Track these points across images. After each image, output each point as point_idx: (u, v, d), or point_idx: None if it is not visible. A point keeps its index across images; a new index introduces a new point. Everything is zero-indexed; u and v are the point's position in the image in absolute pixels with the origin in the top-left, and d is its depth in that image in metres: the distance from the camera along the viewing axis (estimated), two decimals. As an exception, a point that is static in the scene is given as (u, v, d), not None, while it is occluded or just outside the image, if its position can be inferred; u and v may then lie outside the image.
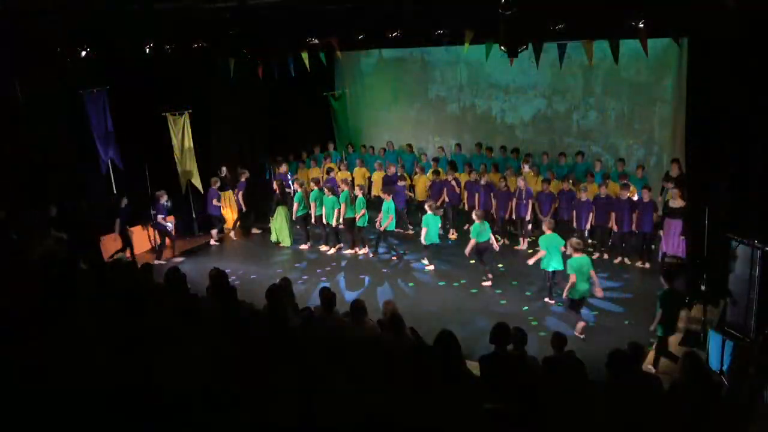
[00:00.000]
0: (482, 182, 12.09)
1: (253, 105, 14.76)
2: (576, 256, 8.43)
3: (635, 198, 10.75)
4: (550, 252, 9.28)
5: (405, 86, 15.78)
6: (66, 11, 9.56)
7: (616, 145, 13.30)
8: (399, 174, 13.15)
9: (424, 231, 10.99)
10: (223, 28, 10.05)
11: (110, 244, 11.95)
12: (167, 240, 12.46)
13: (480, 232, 10.12)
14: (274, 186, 13.26)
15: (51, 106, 11.59)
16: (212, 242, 13.27)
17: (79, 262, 8.18)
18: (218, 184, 13.06)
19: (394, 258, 11.86)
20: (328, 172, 13.68)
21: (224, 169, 13.65)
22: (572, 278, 8.35)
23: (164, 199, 12.19)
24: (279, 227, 12.80)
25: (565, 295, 8.58)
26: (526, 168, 12.49)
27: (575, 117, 13.65)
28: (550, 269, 9.38)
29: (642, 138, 13.00)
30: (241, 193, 13.42)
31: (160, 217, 12.11)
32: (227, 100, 14.03)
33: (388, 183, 13.09)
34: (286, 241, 12.84)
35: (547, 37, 9.01)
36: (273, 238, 12.93)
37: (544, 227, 9.50)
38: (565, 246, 9.14)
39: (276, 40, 11.65)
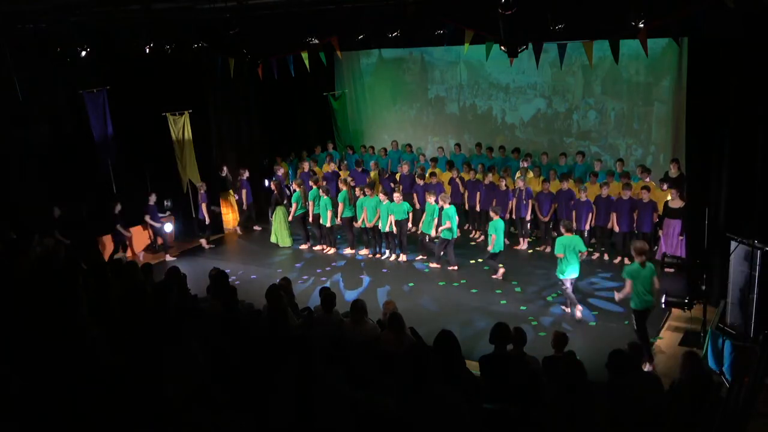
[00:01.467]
0: (485, 182, 12.08)
1: (254, 105, 14.76)
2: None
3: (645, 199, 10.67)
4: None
5: (405, 86, 15.77)
6: (66, 11, 9.56)
7: (614, 145, 13.30)
8: (417, 173, 13.00)
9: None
10: (223, 28, 10.04)
11: (109, 245, 11.96)
12: (158, 240, 12.40)
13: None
14: (272, 186, 13.24)
15: (51, 106, 11.60)
16: (206, 246, 13.15)
17: (80, 262, 8.18)
18: (205, 188, 12.93)
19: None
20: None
21: (225, 168, 13.64)
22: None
23: (153, 200, 12.17)
24: (278, 228, 12.81)
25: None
26: (525, 165, 12.46)
27: (575, 117, 13.65)
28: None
29: (640, 138, 13.01)
30: (244, 191, 13.40)
31: (147, 217, 12.13)
32: (227, 100, 14.03)
33: (405, 183, 13.01)
34: (285, 242, 12.84)
35: (547, 37, 9.01)
36: (273, 238, 12.93)
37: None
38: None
39: (276, 40, 11.66)
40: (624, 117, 13.09)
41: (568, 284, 9.00)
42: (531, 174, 12.19)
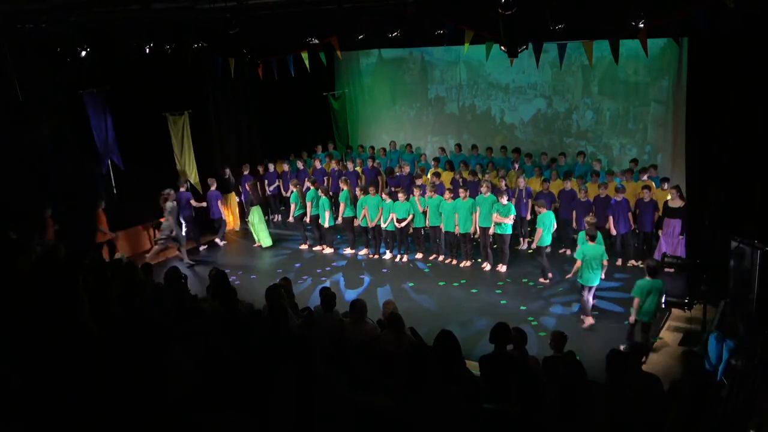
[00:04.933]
0: (487, 182, 12.08)
1: (254, 105, 14.75)
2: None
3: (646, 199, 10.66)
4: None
5: (405, 86, 15.78)
6: (66, 11, 9.56)
7: (609, 144, 13.33)
8: (416, 173, 13.01)
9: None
10: (223, 28, 10.04)
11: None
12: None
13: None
14: (247, 187, 13.08)
15: (51, 106, 11.59)
16: (220, 243, 13.25)
17: (80, 261, 8.17)
18: (215, 185, 12.97)
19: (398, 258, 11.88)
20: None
21: (227, 171, 13.55)
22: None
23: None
24: (256, 228, 12.72)
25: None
26: (516, 168, 12.50)
27: (575, 117, 13.66)
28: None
29: (635, 138, 13.03)
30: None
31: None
32: (227, 100, 14.02)
33: (405, 183, 13.01)
34: (265, 242, 12.77)
35: (547, 37, 9.01)
36: (256, 239, 12.86)
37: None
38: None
39: (276, 40, 11.65)
40: (619, 117, 13.11)
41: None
42: (518, 173, 12.15)
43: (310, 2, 9.70)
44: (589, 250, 8.43)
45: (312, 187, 12.39)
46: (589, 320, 8.76)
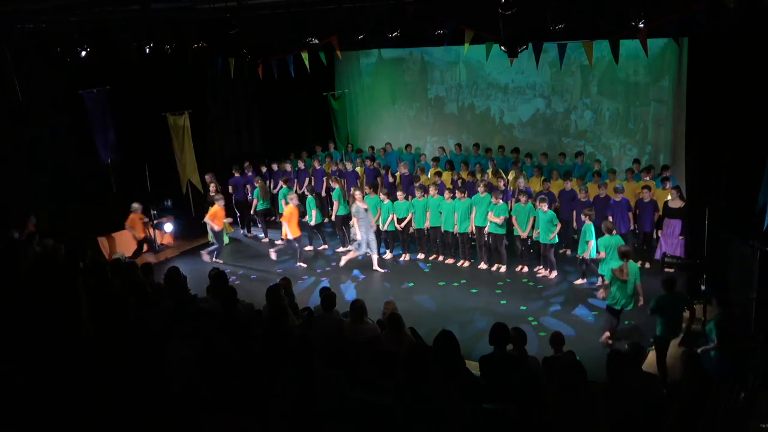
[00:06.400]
0: (485, 182, 12.09)
1: (254, 105, 14.75)
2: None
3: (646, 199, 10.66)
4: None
5: (404, 86, 15.77)
6: (66, 11, 9.56)
7: (608, 144, 13.32)
8: (416, 173, 13.03)
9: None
10: (223, 28, 10.04)
11: (111, 244, 11.92)
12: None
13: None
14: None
15: (51, 106, 11.60)
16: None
17: (79, 262, 8.18)
18: (239, 173, 12.87)
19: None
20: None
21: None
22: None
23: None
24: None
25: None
26: (519, 166, 12.53)
27: (573, 117, 13.66)
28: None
29: (635, 138, 13.03)
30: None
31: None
32: (227, 100, 14.01)
33: (404, 183, 12.98)
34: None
35: (547, 37, 9.01)
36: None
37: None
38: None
39: (276, 40, 11.66)
40: (619, 117, 13.10)
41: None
42: (514, 174, 12.13)
43: (310, 2, 9.70)
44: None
45: (284, 186, 12.33)
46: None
